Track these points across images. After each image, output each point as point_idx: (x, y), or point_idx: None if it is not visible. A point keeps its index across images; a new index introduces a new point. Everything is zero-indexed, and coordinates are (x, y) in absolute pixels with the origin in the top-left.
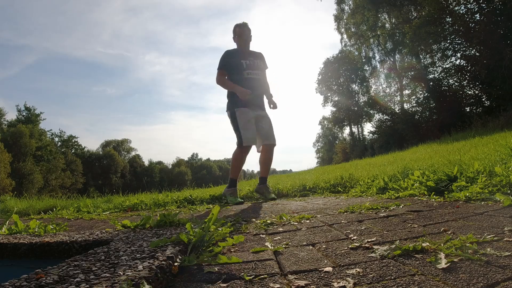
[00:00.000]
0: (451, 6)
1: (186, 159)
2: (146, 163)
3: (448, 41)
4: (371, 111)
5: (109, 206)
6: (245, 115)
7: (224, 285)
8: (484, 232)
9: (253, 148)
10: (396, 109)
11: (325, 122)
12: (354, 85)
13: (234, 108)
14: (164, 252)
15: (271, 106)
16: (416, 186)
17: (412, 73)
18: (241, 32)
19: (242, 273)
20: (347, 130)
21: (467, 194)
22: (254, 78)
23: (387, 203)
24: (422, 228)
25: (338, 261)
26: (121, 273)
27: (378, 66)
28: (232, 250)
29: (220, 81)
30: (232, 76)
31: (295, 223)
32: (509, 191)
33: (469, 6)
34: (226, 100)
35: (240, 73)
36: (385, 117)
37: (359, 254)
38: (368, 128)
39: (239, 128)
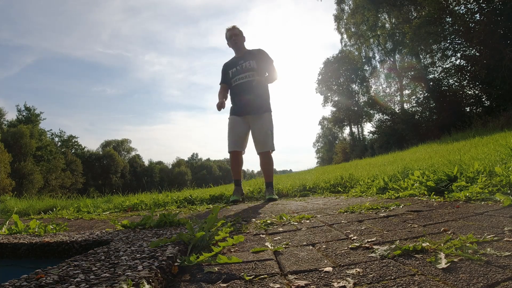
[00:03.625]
0: (451, 6)
1: (186, 159)
2: (146, 163)
3: (448, 41)
4: (371, 111)
5: (109, 206)
6: (232, 122)
7: (224, 285)
8: (484, 232)
9: (250, 149)
10: (396, 109)
11: (325, 122)
12: (354, 85)
13: (229, 116)
14: (164, 252)
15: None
16: (416, 186)
17: (412, 73)
18: (230, 35)
19: (242, 273)
20: (347, 130)
21: (467, 194)
22: (243, 83)
23: (387, 203)
24: (422, 228)
25: (338, 261)
26: (121, 273)
27: (378, 66)
28: (232, 250)
29: (218, 95)
30: (227, 86)
31: (295, 223)
32: (509, 191)
33: (469, 6)
34: None
35: (229, 83)
36: (385, 117)
37: (359, 254)
38: (368, 128)
39: (227, 135)
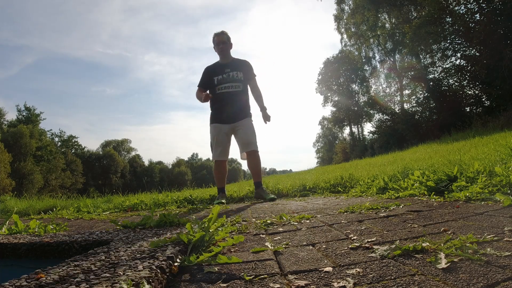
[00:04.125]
0: (451, 6)
1: (186, 159)
2: (146, 163)
3: (448, 41)
4: (371, 111)
5: (109, 206)
6: (215, 131)
7: (224, 285)
8: (484, 232)
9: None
10: (396, 109)
11: (325, 122)
12: (354, 85)
13: (210, 124)
14: (164, 252)
15: (265, 120)
16: (416, 186)
17: (412, 73)
18: (217, 42)
19: (242, 273)
20: (347, 130)
21: (467, 194)
22: (228, 92)
23: (387, 203)
24: (422, 228)
25: (338, 261)
26: (121, 273)
27: (378, 66)
28: (232, 250)
29: (196, 95)
30: (210, 92)
31: (295, 223)
32: (509, 191)
33: (469, 6)
34: None
35: (212, 90)
36: (385, 117)
37: (359, 254)
38: (368, 128)
39: (210, 144)
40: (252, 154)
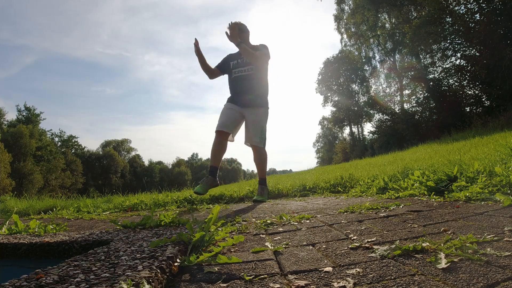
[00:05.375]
0: (451, 6)
1: (186, 159)
2: (146, 163)
3: (448, 41)
4: (371, 111)
5: (109, 206)
6: (227, 108)
7: (224, 285)
8: (484, 232)
9: (250, 150)
10: (396, 109)
11: (325, 122)
12: (354, 85)
13: (225, 104)
14: (164, 252)
15: (230, 38)
16: (416, 186)
17: (412, 73)
18: (229, 32)
19: (242, 273)
20: (347, 130)
21: (467, 194)
22: (241, 75)
23: (387, 203)
24: (422, 228)
25: (338, 261)
26: (121, 273)
27: (378, 66)
28: (232, 250)
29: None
30: (228, 77)
31: (295, 223)
32: (509, 191)
33: (469, 6)
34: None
35: (230, 74)
36: (385, 117)
37: (359, 254)
38: (368, 128)
39: (219, 117)
40: (255, 150)
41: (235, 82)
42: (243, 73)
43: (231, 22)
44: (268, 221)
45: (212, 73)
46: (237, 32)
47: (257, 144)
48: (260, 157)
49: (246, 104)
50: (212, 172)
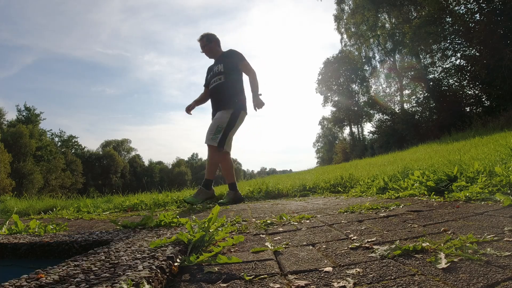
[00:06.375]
0: (451, 6)
1: (186, 159)
2: (146, 163)
3: (448, 41)
4: (371, 111)
5: (109, 206)
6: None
7: (224, 285)
8: (484, 232)
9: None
10: (396, 109)
11: (325, 122)
12: (354, 85)
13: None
14: (164, 252)
15: (255, 107)
16: (416, 186)
17: (412, 73)
18: (200, 46)
19: (242, 273)
20: (347, 130)
21: (467, 194)
22: (214, 86)
23: (387, 203)
24: (422, 228)
25: (338, 261)
26: (121, 273)
27: (378, 66)
28: (232, 250)
29: None
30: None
31: (295, 223)
32: (509, 191)
33: (469, 6)
34: None
35: (208, 87)
36: (385, 117)
37: (359, 254)
38: (368, 128)
39: (228, 134)
40: (208, 149)
41: (210, 94)
42: (215, 83)
43: (200, 37)
44: (268, 221)
45: (206, 96)
46: (206, 43)
47: (209, 142)
48: (210, 157)
49: (214, 111)
50: (235, 186)
